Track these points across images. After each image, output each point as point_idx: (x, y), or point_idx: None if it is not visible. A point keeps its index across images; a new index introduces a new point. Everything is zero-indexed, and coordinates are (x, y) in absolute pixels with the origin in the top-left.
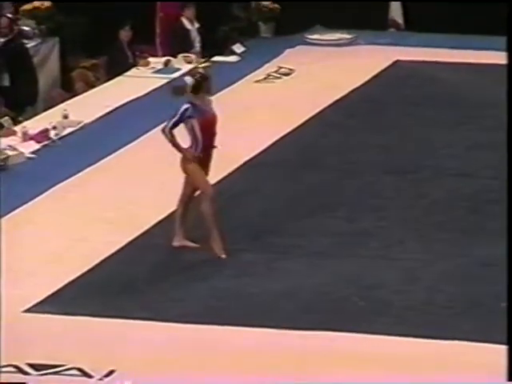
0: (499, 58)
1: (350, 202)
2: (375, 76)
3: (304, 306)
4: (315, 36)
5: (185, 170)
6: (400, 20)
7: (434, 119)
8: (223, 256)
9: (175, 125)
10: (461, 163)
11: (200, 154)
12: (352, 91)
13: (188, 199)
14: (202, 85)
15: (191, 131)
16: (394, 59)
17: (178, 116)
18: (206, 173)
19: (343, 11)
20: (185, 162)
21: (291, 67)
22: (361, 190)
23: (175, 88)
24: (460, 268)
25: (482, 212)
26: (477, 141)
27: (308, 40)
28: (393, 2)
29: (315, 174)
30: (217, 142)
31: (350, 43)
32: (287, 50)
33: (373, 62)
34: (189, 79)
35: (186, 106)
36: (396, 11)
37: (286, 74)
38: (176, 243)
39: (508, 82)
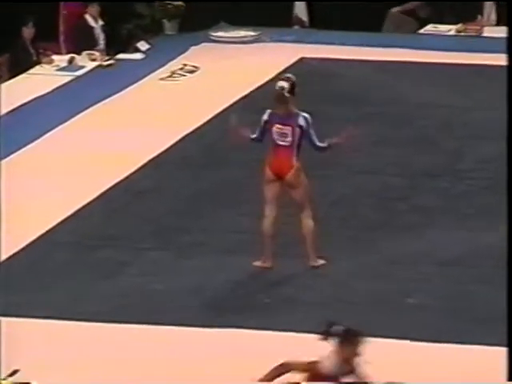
0: (403, 54)
1: (254, 199)
2: (280, 73)
3: (210, 303)
4: (219, 33)
5: (298, 182)
6: (304, 17)
7: (339, 116)
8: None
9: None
10: (365, 160)
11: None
12: (257, 88)
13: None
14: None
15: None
16: (299, 56)
17: (311, 126)
18: None
19: (247, 8)
20: (299, 172)
21: (196, 65)
22: None
23: (279, 95)
24: (365, 265)
25: (387, 209)
26: (381, 137)
27: (212, 37)
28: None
29: (220, 172)
30: (121, 139)
31: (254, 40)
32: (192, 48)
33: (278, 59)
34: (283, 83)
35: (308, 116)
36: (300, 8)
37: (191, 72)
38: (259, 263)
39: (508, 82)
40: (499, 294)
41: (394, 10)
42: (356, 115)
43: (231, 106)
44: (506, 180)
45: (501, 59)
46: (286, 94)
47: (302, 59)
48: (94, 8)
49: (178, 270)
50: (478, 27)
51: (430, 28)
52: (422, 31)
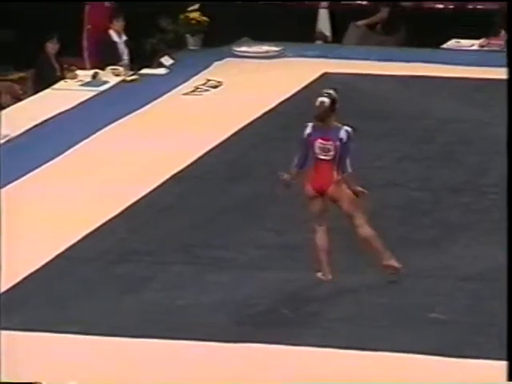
0: (426, 69)
1: (280, 214)
2: (303, 88)
3: (234, 319)
4: (243, 48)
5: (339, 195)
6: (327, 32)
7: (363, 131)
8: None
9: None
10: (390, 175)
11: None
12: (280, 103)
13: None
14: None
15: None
16: (322, 71)
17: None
18: None
19: (271, 23)
20: (339, 185)
21: (219, 80)
22: (290, 202)
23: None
24: (390, 279)
25: (411, 223)
26: (404, 152)
27: (236, 52)
28: (320, 15)
29: (244, 187)
30: (145, 154)
31: (277, 56)
32: (215, 63)
33: (301, 75)
34: (323, 99)
35: (346, 128)
36: (323, 23)
37: (214, 87)
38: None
39: (508, 86)
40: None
41: (359, 22)
42: (379, 131)
43: (255, 120)
44: (507, 186)
45: None
46: (327, 110)
47: (324, 74)
48: (118, 23)
49: (201, 285)
50: (501, 42)
51: (452, 43)
52: (444, 46)
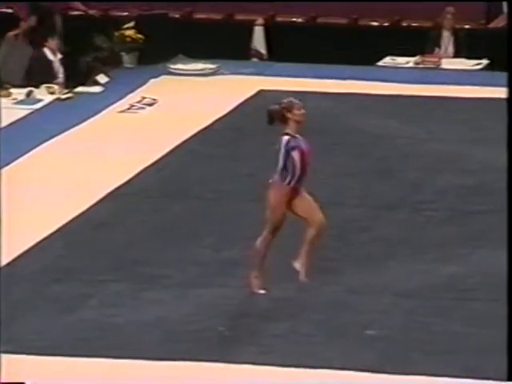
0: (361, 86)
1: (216, 232)
2: (239, 105)
3: (171, 337)
4: (178, 66)
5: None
6: (263, 50)
7: None
8: (305, 279)
9: (285, 162)
10: (326, 191)
11: (296, 185)
12: (216, 121)
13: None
14: (288, 114)
15: (291, 162)
16: (258, 89)
17: (283, 152)
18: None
19: (206, 41)
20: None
21: (155, 97)
22: (227, 219)
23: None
24: (327, 296)
25: (349, 240)
26: (341, 169)
27: (171, 70)
28: (255, 32)
29: (181, 204)
30: (80, 172)
31: (213, 73)
32: (151, 80)
33: (236, 92)
34: (275, 107)
35: (285, 138)
36: (258, 41)
37: (150, 105)
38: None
39: (508, 91)
40: (457, 327)
41: (10, 33)
42: (316, 147)
43: (191, 138)
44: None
45: (458, 91)
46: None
47: (260, 91)
48: (53, 41)
49: (138, 302)
50: (436, 59)
51: (388, 60)
52: (380, 63)
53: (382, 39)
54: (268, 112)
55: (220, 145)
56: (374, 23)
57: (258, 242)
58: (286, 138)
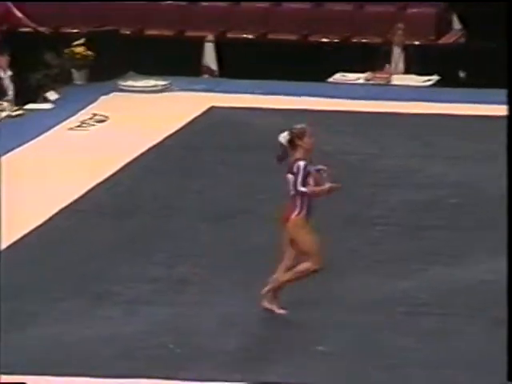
0: (312, 103)
1: (168, 248)
2: (190, 122)
3: (121, 354)
4: (129, 83)
5: (295, 234)
6: (214, 66)
7: (251, 164)
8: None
9: (304, 181)
10: (275, 208)
11: (308, 213)
12: (167, 137)
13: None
14: (298, 141)
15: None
16: (209, 105)
17: (302, 172)
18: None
19: (156, 57)
20: (298, 226)
21: (105, 114)
22: (178, 236)
23: (279, 156)
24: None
25: None
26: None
27: (122, 87)
28: (206, 49)
29: (132, 220)
30: (31, 189)
31: (164, 90)
32: (101, 97)
33: (188, 109)
34: (284, 136)
35: (302, 163)
36: (209, 57)
37: (101, 121)
38: (266, 305)
39: (508, 95)
40: (410, 342)
41: None
42: (266, 164)
43: (142, 154)
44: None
45: (409, 107)
46: (286, 148)
47: (212, 108)
48: (2, 58)
49: (89, 320)
50: (387, 75)
51: (338, 77)
52: (330, 79)
53: (333, 55)
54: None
55: (171, 161)
56: (325, 39)
57: (298, 269)
58: (302, 162)
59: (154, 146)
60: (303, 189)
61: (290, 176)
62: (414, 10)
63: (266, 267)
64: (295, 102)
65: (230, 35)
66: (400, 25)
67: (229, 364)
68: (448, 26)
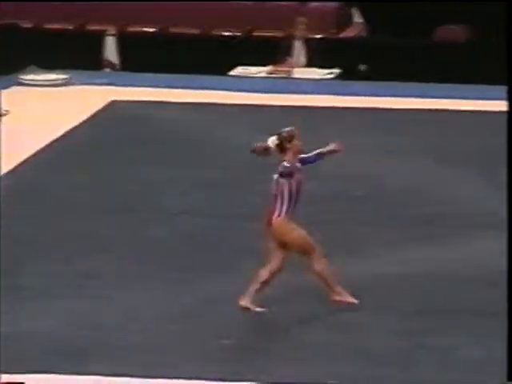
0: (214, 96)
1: (69, 243)
2: (92, 116)
3: (23, 349)
4: (30, 77)
5: (283, 235)
6: (115, 60)
7: (153, 158)
8: (355, 301)
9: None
10: (182, 202)
11: (290, 216)
12: (68, 132)
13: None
14: (287, 144)
15: (288, 191)
16: (110, 99)
17: (286, 168)
18: None
19: (57, 51)
20: (282, 226)
21: (6, 108)
22: (81, 231)
23: (258, 148)
24: (182, 306)
25: (204, 250)
26: (197, 179)
27: (22, 81)
28: (107, 43)
29: (33, 216)
30: None
31: (65, 83)
32: (2, 91)
33: (89, 103)
34: (273, 140)
35: (285, 164)
36: (111, 51)
37: (1, 115)
38: (243, 303)
39: (508, 96)
40: (316, 335)
41: None
42: (170, 157)
43: (42, 149)
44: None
45: (310, 100)
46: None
47: (113, 102)
48: None
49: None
50: (288, 69)
51: (240, 70)
52: (232, 73)
53: (234, 49)
54: (258, 149)
55: (72, 156)
56: (226, 33)
57: (316, 268)
58: (285, 163)
59: (55, 141)
60: (287, 164)
61: (279, 179)
62: (315, 4)
63: (167, 261)
64: (197, 96)
65: (131, 29)
66: (301, 18)
67: (129, 359)
68: (349, 20)
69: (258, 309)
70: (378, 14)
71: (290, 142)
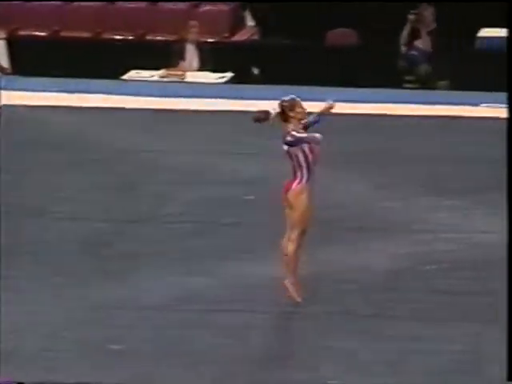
0: (102, 100)
1: None
2: None
3: None
4: None
5: (295, 202)
6: (6, 64)
7: (43, 162)
8: (299, 300)
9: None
10: (70, 207)
11: (309, 181)
12: None
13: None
14: (290, 113)
15: (303, 157)
16: (1, 104)
17: (297, 146)
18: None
19: None
20: (298, 193)
21: None
22: None
23: (258, 114)
24: (73, 312)
25: (95, 255)
26: (85, 183)
27: None
28: None
29: None
30: None
31: None
32: None
33: None
34: (274, 108)
35: (295, 133)
36: (1, 55)
37: None
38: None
39: (508, 98)
40: (207, 338)
41: None
42: (60, 162)
43: None
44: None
45: (203, 104)
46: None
47: (3, 107)
48: None
49: None
50: (181, 73)
51: (133, 74)
52: (125, 77)
53: (127, 53)
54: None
55: None
56: (119, 37)
57: (287, 247)
58: (292, 132)
59: None
60: (318, 135)
61: (290, 148)
62: (208, 8)
63: (53, 266)
64: (90, 100)
65: (22, 32)
66: (193, 22)
67: (29, 366)
68: (241, 23)
69: (298, 299)
70: (270, 16)
71: (292, 110)
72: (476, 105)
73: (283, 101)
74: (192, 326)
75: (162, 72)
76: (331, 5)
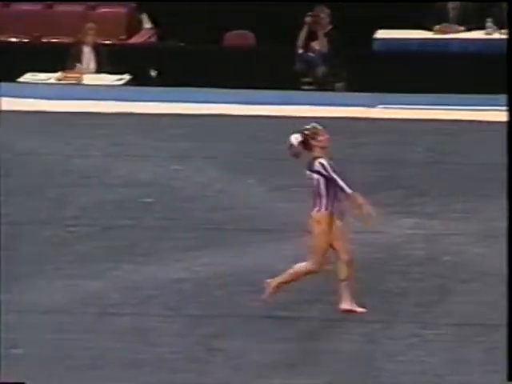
0: (8, 103)
1: None
2: None
3: None
4: None
5: (312, 228)
6: None
7: None
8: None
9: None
10: None
11: (332, 210)
12: None
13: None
14: (312, 141)
15: (325, 186)
16: None
17: (331, 171)
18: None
19: None
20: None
21: None
22: None
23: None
24: None
25: None
26: None
27: None
28: None
29: None
30: None
31: None
32: None
33: None
34: (296, 137)
35: (323, 162)
36: None
37: None
38: (345, 306)
39: (508, 98)
40: (105, 341)
41: None
42: None
43: None
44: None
45: (100, 106)
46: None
47: None
48: None
49: None
50: (78, 75)
51: (29, 76)
52: (21, 79)
53: (23, 55)
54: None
55: None
56: (14, 39)
57: (300, 269)
58: (323, 162)
59: None
60: (350, 191)
61: (314, 175)
62: (104, 10)
63: None
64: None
65: None
66: (90, 24)
67: None
68: (139, 26)
69: (360, 309)
70: (167, 18)
71: (314, 139)
72: (373, 106)
73: (305, 129)
74: (89, 329)
75: (58, 75)
76: (229, 7)
